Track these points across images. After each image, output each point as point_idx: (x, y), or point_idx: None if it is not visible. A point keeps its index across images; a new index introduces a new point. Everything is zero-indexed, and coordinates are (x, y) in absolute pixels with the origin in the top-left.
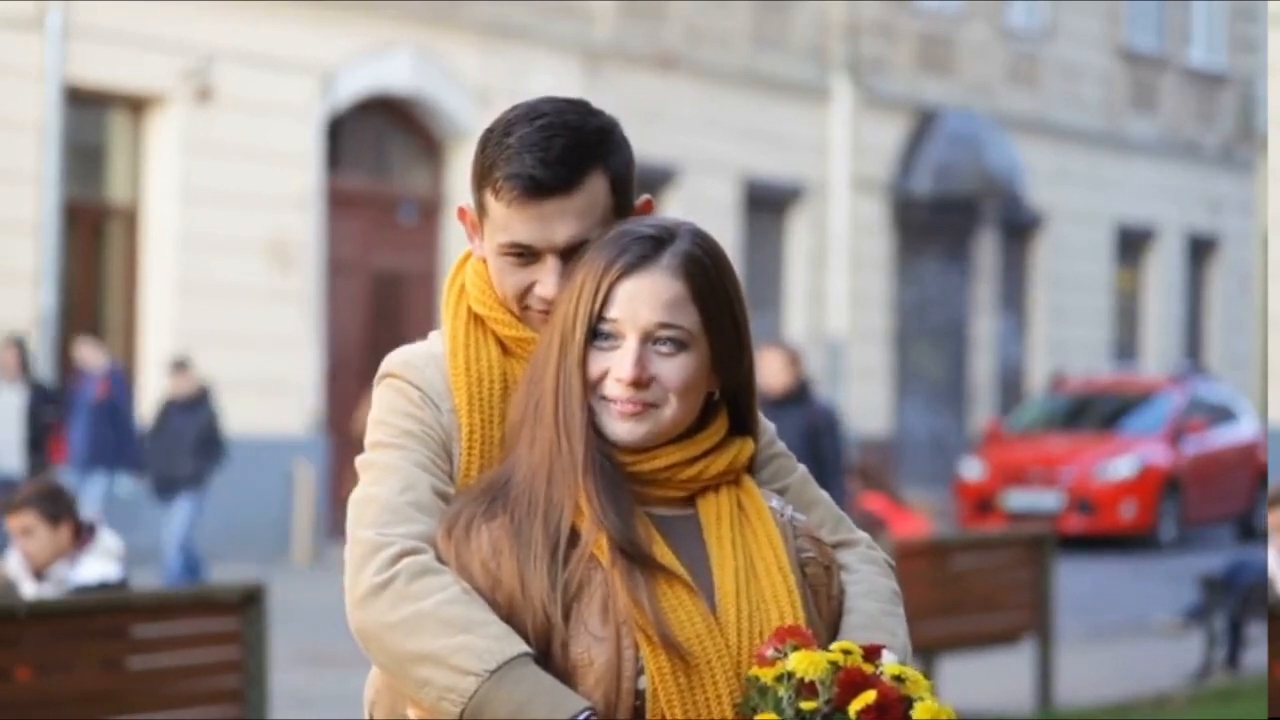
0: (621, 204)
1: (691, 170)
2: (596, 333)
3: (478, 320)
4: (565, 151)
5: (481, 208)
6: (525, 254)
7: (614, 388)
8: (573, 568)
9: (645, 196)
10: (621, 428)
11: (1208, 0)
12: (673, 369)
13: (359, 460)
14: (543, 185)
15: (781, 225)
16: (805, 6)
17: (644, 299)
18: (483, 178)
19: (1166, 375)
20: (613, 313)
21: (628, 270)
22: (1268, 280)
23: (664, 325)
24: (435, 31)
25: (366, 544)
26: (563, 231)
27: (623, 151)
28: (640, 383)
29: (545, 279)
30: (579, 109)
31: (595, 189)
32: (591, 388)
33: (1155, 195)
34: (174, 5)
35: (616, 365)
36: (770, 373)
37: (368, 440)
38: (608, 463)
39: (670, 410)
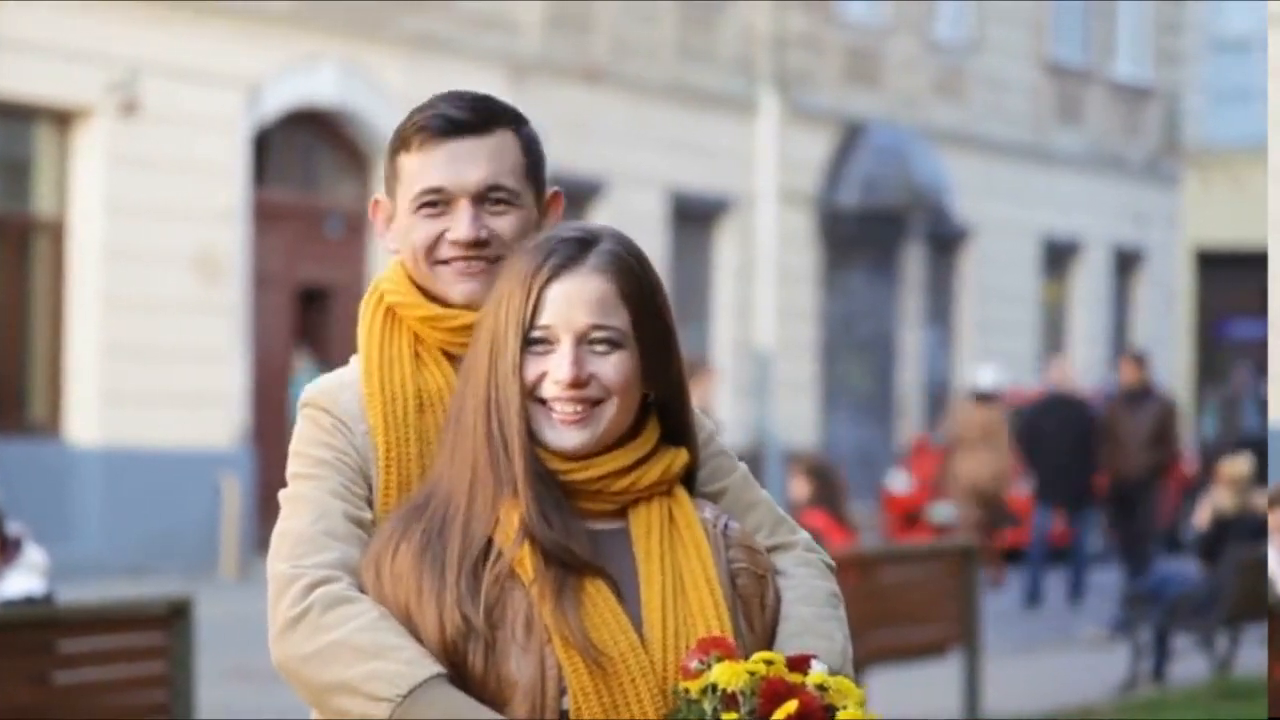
0: (535, 176)
1: (618, 183)
2: (529, 339)
3: (394, 322)
4: (477, 100)
5: (395, 176)
6: (438, 202)
7: (552, 389)
8: (489, 585)
9: (554, 189)
10: (565, 435)
11: (1136, 2)
12: (609, 367)
13: (280, 494)
14: (456, 122)
15: (708, 238)
16: (732, 19)
17: (575, 301)
18: (395, 145)
19: (1093, 388)
20: (545, 318)
21: (556, 273)
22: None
23: (597, 326)
24: (361, 44)
25: (281, 578)
26: (474, 173)
27: (534, 134)
28: (579, 383)
29: (457, 222)
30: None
31: (507, 140)
32: (528, 392)
33: (1081, 208)
34: (99, 18)
35: (554, 368)
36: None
37: (287, 472)
38: (544, 469)
39: (611, 409)
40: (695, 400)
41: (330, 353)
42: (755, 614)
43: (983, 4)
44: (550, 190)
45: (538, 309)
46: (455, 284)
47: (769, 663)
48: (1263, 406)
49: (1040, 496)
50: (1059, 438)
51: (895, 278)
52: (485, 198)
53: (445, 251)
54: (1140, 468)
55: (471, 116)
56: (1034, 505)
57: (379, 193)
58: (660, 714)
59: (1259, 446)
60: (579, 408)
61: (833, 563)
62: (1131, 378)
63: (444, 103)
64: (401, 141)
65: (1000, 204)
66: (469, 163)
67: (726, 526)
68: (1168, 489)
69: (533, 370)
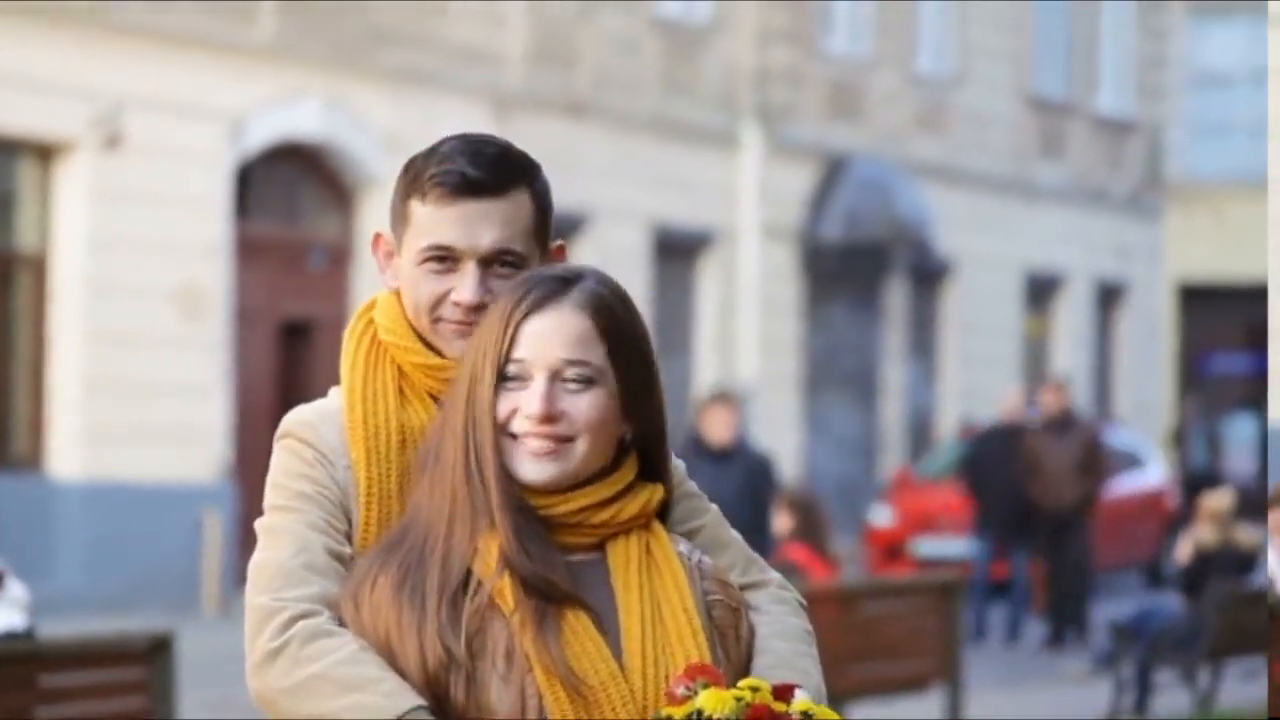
0: (543, 232)
1: (602, 217)
2: (505, 374)
3: (378, 355)
4: (496, 159)
5: (404, 220)
6: (446, 259)
7: (523, 424)
8: (470, 616)
9: (559, 242)
10: (532, 468)
11: (1118, 37)
12: (581, 405)
13: (257, 524)
14: (473, 183)
15: (691, 272)
16: (714, 53)
17: (550, 336)
18: (409, 187)
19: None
20: (520, 352)
21: (534, 309)
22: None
23: (571, 362)
24: (344, 79)
25: (261, 610)
26: (487, 235)
27: (546, 184)
28: (549, 418)
29: (463, 284)
30: (503, 141)
31: (522, 202)
32: (501, 428)
33: (1064, 242)
34: (82, 52)
35: (525, 403)
36: (723, 425)
37: (265, 503)
38: (523, 502)
39: (581, 447)
40: (720, 432)
41: (312, 387)
42: (731, 645)
43: (965, 37)
44: (555, 244)
45: (514, 344)
46: (453, 341)
47: (755, 690)
48: (1212, 440)
49: (979, 530)
50: (1001, 471)
51: (878, 311)
52: (494, 260)
53: (448, 312)
54: (1069, 500)
55: (489, 178)
56: (976, 538)
57: (380, 228)
58: None
59: (1207, 483)
60: (548, 443)
61: (804, 601)
62: (1053, 406)
63: (463, 157)
64: (415, 186)
65: (983, 238)
66: (482, 225)
67: (700, 561)
68: (1096, 520)
69: (506, 405)
